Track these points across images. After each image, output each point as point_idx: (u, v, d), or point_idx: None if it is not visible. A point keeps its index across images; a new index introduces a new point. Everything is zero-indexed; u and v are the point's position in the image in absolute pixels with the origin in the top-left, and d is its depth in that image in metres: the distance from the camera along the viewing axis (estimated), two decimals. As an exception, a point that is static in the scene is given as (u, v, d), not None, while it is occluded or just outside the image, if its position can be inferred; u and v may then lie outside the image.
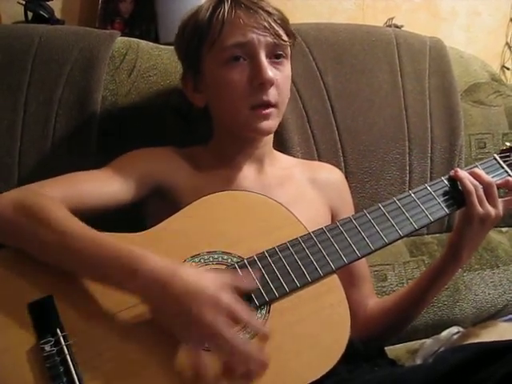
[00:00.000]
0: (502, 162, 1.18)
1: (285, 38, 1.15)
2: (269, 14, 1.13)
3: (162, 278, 0.89)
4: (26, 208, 0.99)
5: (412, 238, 1.54)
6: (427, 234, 1.57)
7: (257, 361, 0.87)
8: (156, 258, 0.91)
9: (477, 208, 1.11)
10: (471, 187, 1.11)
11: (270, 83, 1.11)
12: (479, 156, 1.60)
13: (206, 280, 0.89)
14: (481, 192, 1.11)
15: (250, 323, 0.91)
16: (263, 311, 0.97)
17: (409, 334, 1.46)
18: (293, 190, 1.22)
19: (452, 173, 1.14)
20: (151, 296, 0.90)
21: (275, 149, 1.30)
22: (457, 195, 1.13)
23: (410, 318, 1.27)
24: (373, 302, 1.29)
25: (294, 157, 1.41)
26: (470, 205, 1.11)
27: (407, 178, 1.55)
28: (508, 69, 2.90)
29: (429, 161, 1.57)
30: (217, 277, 0.91)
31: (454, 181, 1.14)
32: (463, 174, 1.13)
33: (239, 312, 0.88)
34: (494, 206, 1.12)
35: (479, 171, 1.14)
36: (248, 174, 1.21)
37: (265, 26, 1.12)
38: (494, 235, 1.61)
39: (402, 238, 1.07)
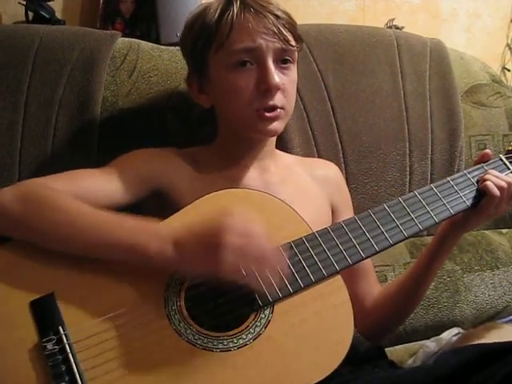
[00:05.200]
0: (507, 163, 1.18)
1: (293, 43, 1.14)
2: (277, 18, 1.12)
3: (181, 231, 0.95)
4: (33, 199, 1.00)
5: (412, 239, 1.54)
6: (428, 235, 1.57)
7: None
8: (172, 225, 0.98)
9: (493, 209, 1.13)
10: (497, 192, 1.11)
11: (277, 89, 1.11)
12: (479, 157, 1.60)
13: (220, 219, 0.95)
14: (504, 194, 1.12)
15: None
16: (266, 311, 0.97)
17: (409, 335, 1.46)
18: (295, 188, 1.23)
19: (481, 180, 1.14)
20: (175, 250, 0.93)
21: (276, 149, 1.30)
22: (463, 196, 1.13)
23: (414, 300, 1.27)
24: (377, 290, 1.29)
25: (295, 158, 1.41)
26: (488, 206, 1.12)
27: (407, 180, 1.55)
28: (508, 70, 2.90)
29: (429, 162, 1.57)
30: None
31: (461, 182, 1.15)
32: (491, 183, 1.12)
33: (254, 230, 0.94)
34: (507, 203, 1.14)
35: (496, 173, 1.14)
36: (252, 173, 1.21)
37: (273, 31, 1.11)
38: (495, 236, 1.61)
39: (406, 239, 1.07)
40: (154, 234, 0.95)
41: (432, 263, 1.21)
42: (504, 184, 1.12)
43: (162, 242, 0.94)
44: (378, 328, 1.26)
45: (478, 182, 1.15)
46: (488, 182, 1.12)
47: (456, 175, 1.16)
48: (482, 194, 1.13)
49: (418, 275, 1.22)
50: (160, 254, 0.93)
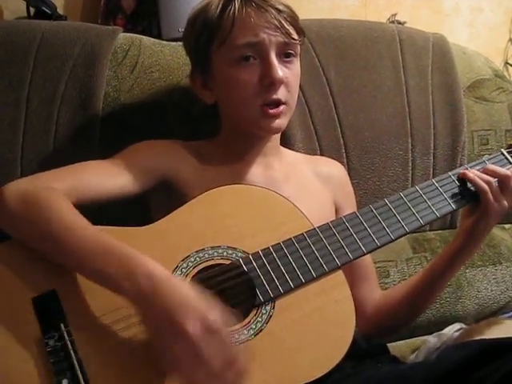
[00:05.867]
0: (509, 157, 1.18)
1: (295, 36, 1.14)
2: (279, 11, 1.12)
3: (158, 283, 0.87)
4: (33, 201, 0.99)
5: (415, 234, 1.54)
6: (430, 231, 1.57)
7: None
8: (155, 264, 0.89)
9: (493, 205, 1.11)
10: (485, 186, 1.11)
11: (280, 83, 1.11)
12: (482, 152, 1.60)
13: (198, 297, 0.87)
14: (495, 188, 1.11)
15: (228, 349, 0.85)
16: (268, 307, 0.97)
17: (411, 330, 1.46)
18: (298, 185, 1.23)
19: (460, 174, 1.14)
20: (142, 300, 0.87)
21: (278, 145, 1.30)
22: (464, 190, 1.13)
23: (419, 309, 1.28)
24: (380, 294, 1.29)
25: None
26: (487, 202, 1.11)
27: (410, 175, 1.55)
28: (511, 65, 2.89)
29: (431, 157, 1.56)
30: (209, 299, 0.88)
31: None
32: (472, 174, 1.12)
33: (223, 339, 0.85)
34: (510, 197, 1.13)
35: (493, 166, 1.14)
36: (256, 169, 1.21)
37: (276, 25, 1.11)
38: (497, 232, 1.61)
39: (407, 233, 1.07)
40: (132, 275, 0.88)
41: (445, 274, 1.21)
42: (489, 178, 1.11)
43: (139, 294, 0.87)
44: (376, 331, 1.26)
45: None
46: (472, 178, 1.11)
47: (457, 170, 1.16)
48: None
49: (428, 284, 1.22)
50: (135, 302, 0.89)
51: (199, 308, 0.85)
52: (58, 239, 0.95)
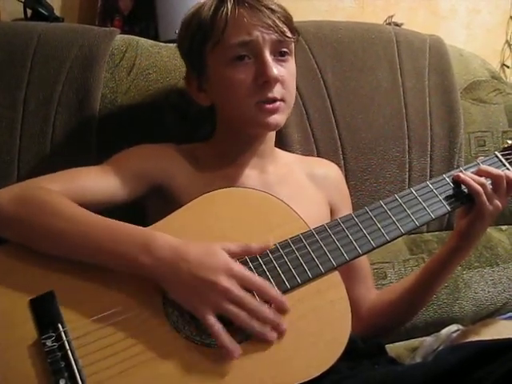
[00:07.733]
0: (503, 160, 1.18)
1: (289, 34, 1.14)
2: (272, 11, 1.13)
3: (176, 251, 0.93)
4: (29, 201, 1.00)
5: (412, 235, 1.54)
6: (427, 232, 1.57)
7: (274, 322, 0.93)
8: (167, 235, 0.95)
9: (487, 206, 1.11)
10: (478, 187, 1.11)
11: (275, 81, 1.11)
12: (479, 154, 1.60)
13: (218, 250, 0.95)
14: (489, 189, 1.11)
15: (264, 289, 0.94)
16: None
17: (408, 331, 1.46)
18: (293, 187, 1.23)
19: (454, 177, 1.14)
20: (165, 271, 0.93)
21: (275, 146, 1.30)
22: (459, 192, 1.13)
23: (415, 308, 1.28)
24: (375, 294, 1.29)
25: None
26: (480, 204, 1.11)
27: (407, 176, 1.55)
28: (508, 67, 2.90)
29: (428, 159, 1.56)
30: (226, 245, 0.96)
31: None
32: (465, 176, 1.12)
33: (252, 278, 0.94)
34: (503, 198, 1.13)
35: (486, 167, 1.14)
36: (250, 172, 1.21)
37: (269, 24, 1.11)
38: (494, 233, 1.61)
39: (403, 235, 1.07)
40: (149, 248, 0.94)
41: (441, 274, 1.21)
42: (482, 179, 1.12)
43: (155, 259, 0.93)
44: (371, 331, 1.25)
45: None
46: (465, 180, 1.12)
47: (452, 172, 1.16)
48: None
49: (424, 285, 1.22)
50: (153, 270, 0.94)
51: (222, 263, 0.93)
52: (61, 232, 0.97)
